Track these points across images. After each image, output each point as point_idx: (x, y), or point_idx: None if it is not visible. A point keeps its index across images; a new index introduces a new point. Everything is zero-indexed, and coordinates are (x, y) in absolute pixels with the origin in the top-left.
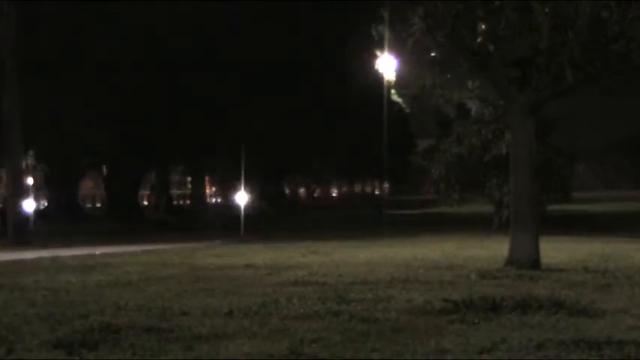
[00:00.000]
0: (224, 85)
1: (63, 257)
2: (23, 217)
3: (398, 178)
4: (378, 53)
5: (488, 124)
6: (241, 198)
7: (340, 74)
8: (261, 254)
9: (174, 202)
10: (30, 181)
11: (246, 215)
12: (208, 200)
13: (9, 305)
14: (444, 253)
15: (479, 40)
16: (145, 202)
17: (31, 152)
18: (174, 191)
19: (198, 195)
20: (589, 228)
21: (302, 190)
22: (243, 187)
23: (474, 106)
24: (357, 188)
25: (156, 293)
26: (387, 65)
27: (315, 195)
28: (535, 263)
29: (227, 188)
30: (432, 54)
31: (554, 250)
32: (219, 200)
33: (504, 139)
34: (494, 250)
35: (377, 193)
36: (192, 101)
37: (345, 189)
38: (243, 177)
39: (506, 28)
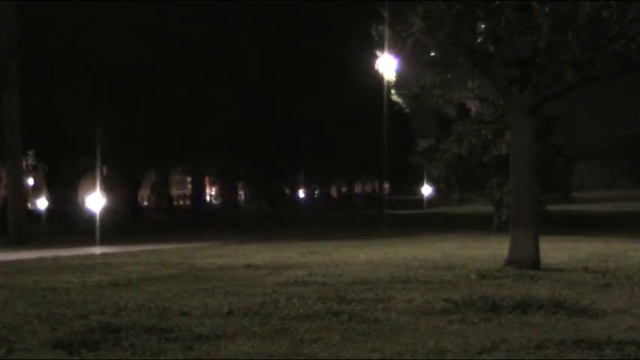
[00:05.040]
0: (224, 86)
1: (63, 257)
2: (23, 217)
3: (398, 178)
4: (378, 53)
5: (489, 124)
6: (96, 202)
7: (340, 74)
8: (261, 254)
9: (175, 203)
10: (30, 181)
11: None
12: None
13: (9, 305)
14: (444, 253)
15: (479, 40)
16: (145, 202)
17: (31, 152)
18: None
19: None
20: (589, 228)
21: (302, 191)
22: (98, 190)
23: (473, 106)
24: (357, 188)
25: (156, 293)
26: (387, 65)
27: (316, 195)
28: (535, 263)
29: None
30: (432, 54)
31: (554, 250)
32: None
33: (504, 139)
34: (494, 250)
35: (375, 192)
36: (192, 101)
37: (345, 189)
38: (99, 176)
39: (506, 28)
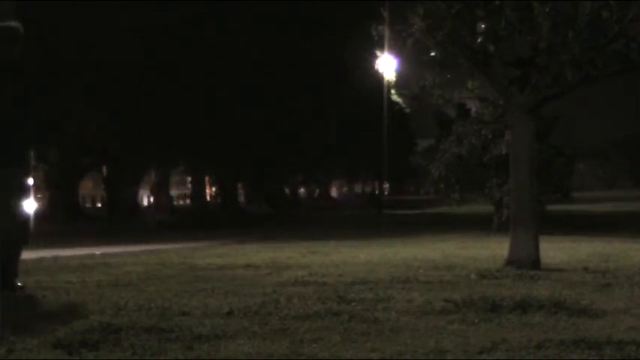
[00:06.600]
0: (223, 86)
1: (63, 257)
2: (23, 218)
3: (398, 178)
4: (378, 53)
5: (489, 124)
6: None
7: (340, 74)
8: (261, 254)
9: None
10: (30, 181)
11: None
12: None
13: (9, 305)
14: (444, 253)
15: (479, 40)
16: (145, 202)
17: (31, 152)
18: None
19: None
20: (589, 228)
21: (302, 191)
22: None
23: (473, 106)
24: (357, 188)
25: (156, 293)
26: (387, 65)
27: (315, 195)
28: (535, 263)
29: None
30: (432, 54)
31: (554, 250)
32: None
33: (504, 139)
34: (494, 250)
35: (377, 192)
36: (192, 101)
37: (345, 189)
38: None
39: (506, 28)
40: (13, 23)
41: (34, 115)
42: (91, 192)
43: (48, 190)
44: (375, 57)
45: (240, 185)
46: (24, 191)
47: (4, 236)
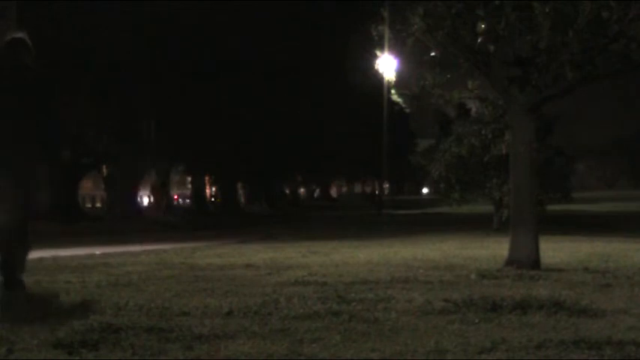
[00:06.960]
0: (224, 87)
1: (63, 257)
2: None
3: (398, 178)
4: (378, 53)
5: (489, 124)
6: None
7: (340, 74)
8: (261, 254)
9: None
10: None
11: None
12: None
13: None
14: (444, 253)
15: (479, 40)
16: (145, 202)
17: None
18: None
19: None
20: (589, 228)
21: (302, 190)
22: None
23: (474, 106)
24: (357, 188)
25: (156, 293)
26: (387, 65)
27: (316, 195)
28: (535, 263)
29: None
30: (432, 54)
31: (554, 250)
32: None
33: (504, 139)
34: (494, 250)
35: (376, 192)
36: (192, 102)
37: (345, 189)
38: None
39: (506, 28)
40: (20, 34)
41: (51, 116)
42: (91, 192)
43: (48, 189)
44: (375, 57)
45: (240, 185)
46: (28, 189)
47: (5, 235)
